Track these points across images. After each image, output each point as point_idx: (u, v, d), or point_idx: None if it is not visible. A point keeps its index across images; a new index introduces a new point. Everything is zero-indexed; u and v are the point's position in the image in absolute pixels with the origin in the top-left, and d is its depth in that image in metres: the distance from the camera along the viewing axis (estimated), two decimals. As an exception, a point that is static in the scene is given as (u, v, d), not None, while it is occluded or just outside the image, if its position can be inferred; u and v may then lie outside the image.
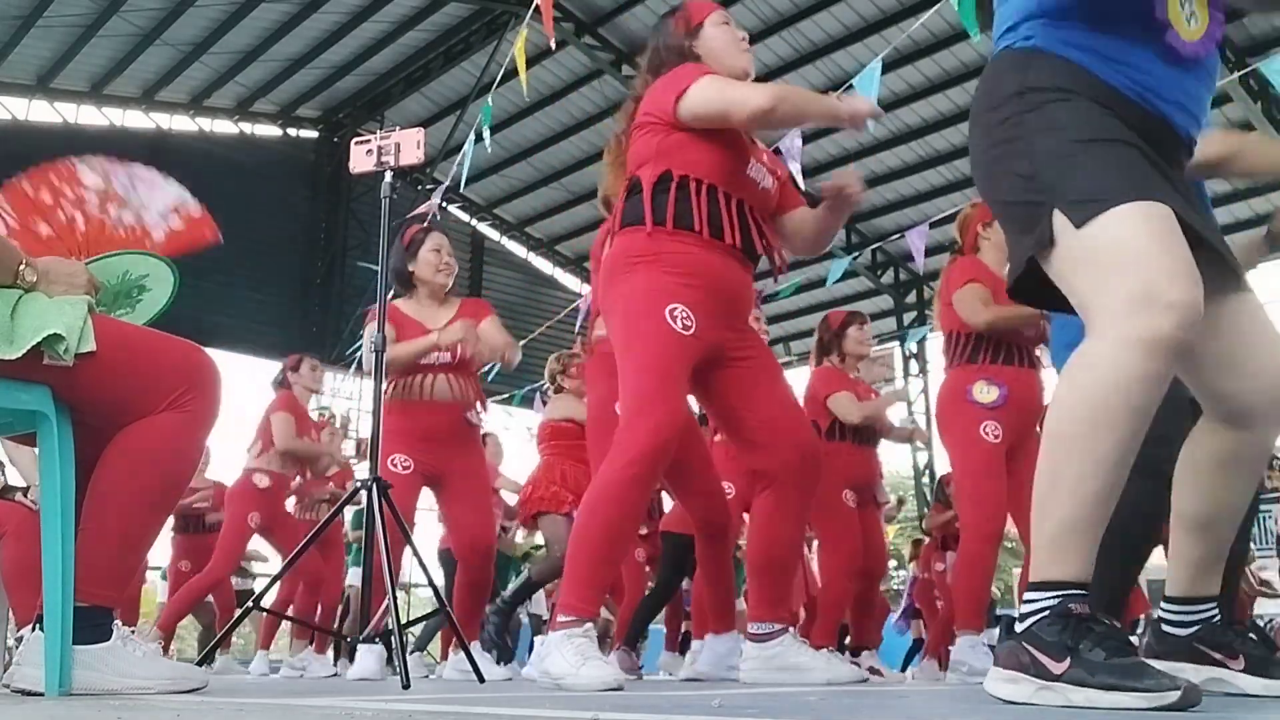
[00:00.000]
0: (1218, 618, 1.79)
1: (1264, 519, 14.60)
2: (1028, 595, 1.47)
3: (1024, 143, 1.56)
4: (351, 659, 4.47)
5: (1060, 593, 1.43)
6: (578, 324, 7.84)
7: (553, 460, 5.09)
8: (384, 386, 3.71)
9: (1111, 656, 1.35)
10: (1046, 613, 1.42)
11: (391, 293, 3.74)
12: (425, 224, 4.15)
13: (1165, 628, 1.83)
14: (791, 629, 2.65)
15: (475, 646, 3.81)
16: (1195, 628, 1.79)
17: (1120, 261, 1.44)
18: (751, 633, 2.63)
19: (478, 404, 3.93)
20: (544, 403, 6.56)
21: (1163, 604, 1.84)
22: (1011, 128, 1.58)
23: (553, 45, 6.85)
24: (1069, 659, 1.37)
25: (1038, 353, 3.74)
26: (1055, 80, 1.57)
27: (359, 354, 11.68)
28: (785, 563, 2.62)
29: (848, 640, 5.31)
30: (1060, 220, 1.49)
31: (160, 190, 2.18)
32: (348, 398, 14.02)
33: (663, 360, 2.35)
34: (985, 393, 3.58)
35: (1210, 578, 1.78)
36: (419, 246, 3.89)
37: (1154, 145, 1.56)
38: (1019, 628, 1.46)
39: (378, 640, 3.34)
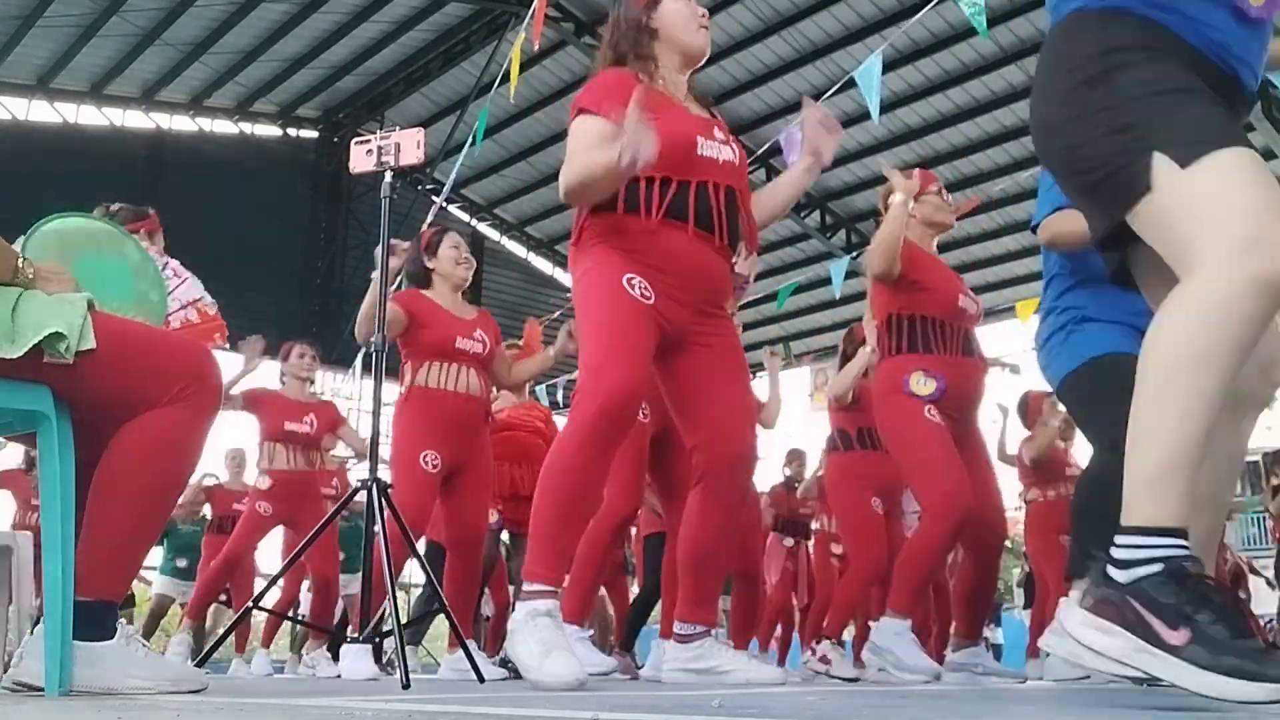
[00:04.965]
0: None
1: (1261, 518, 14.55)
2: (1126, 540, 1.40)
3: (1116, 99, 1.50)
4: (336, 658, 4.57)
5: (1166, 540, 1.37)
6: None
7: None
8: (405, 377, 3.79)
9: (1235, 636, 1.28)
10: (1160, 569, 1.35)
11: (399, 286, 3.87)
12: (438, 226, 4.38)
13: None
14: (714, 631, 2.62)
15: (472, 646, 3.82)
16: None
17: (1230, 203, 1.40)
18: (676, 633, 2.60)
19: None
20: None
21: None
22: (1098, 88, 1.52)
23: (535, 47, 6.91)
24: (1189, 631, 1.30)
25: (975, 338, 3.55)
26: (1140, 39, 1.53)
27: (360, 353, 11.69)
28: (712, 562, 2.56)
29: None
30: (1163, 162, 1.44)
31: (189, 284, 2.51)
32: (347, 398, 13.99)
33: (618, 324, 2.30)
34: (923, 384, 3.37)
35: (1207, 560, 1.71)
36: (438, 245, 4.00)
37: (1227, 104, 1.55)
38: (1120, 576, 1.38)
39: (378, 639, 3.34)
